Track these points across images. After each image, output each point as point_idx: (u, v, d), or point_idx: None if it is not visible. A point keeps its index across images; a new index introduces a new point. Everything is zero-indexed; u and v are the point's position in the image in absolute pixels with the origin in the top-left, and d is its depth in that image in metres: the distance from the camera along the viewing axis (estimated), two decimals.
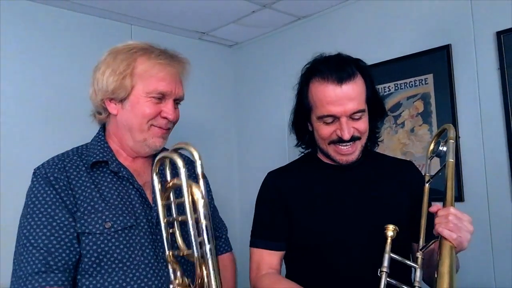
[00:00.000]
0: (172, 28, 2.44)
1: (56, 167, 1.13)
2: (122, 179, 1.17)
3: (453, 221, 0.97)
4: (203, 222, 0.92)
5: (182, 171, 0.93)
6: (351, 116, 1.19)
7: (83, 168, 1.15)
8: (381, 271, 1.02)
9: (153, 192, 1.18)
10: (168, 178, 1.01)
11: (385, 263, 1.03)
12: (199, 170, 0.96)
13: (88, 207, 1.10)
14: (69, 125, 2.01)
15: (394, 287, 1.03)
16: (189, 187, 0.95)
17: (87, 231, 1.08)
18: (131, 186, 1.17)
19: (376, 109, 1.30)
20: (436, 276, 0.89)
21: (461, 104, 1.84)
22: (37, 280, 1.02)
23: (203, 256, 0.92)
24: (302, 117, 1.31)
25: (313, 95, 1.23)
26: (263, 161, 2.59)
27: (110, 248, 1.08)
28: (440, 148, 1.17)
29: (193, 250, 0.94)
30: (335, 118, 1.19)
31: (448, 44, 1.86)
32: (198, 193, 0.94)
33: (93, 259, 1.08)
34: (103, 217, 1.09)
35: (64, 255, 1.06)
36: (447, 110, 1.86)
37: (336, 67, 1.19)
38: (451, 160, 1.10)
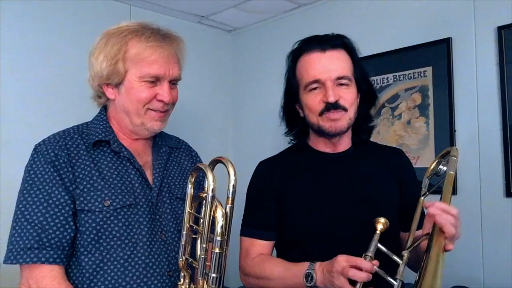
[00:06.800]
0: (172, 10, 2.41)
1: (57, 144, 1.13)
2: (123, 159, 1.18)
3: (456, 216, 0.97)
4: (216, 250, 0.98)
5: (210, 189, 1.00)
6: (337, 82, 1.23)
7: (83, 147, 1.15)
8: (365, 255, 1.02)
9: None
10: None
11: (371, 248, 1.03)
12: (230, 193, 1.02)
13: (88, 185, 1.11)
14: (68, 104, 2.01)
15: (379, 276, 1.03)
16: (214, 206, 1.00)
17: (86, 208, 1.09)
18: (131, 166, 1.18)
19: (365, 92, 1.31)
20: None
21: (458, 98, 1.84)
22: (28, 256, 1.03)
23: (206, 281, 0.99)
24: (292, 98, 1.32)
25: (299, 69, 1.28)
26: (258, 147, 2.58)
27: (109, 226, 1.09)
28: (441, 166, 1.18)
29: (199, 271, 1.01)
30: (321, 84, 1.23)
31: (449, 37, 1.86)
32: (220, 215, 0.98)
33: (92, 236, 1.08)
34: (102, 195, 1.10)
35: (58, 232, 1.06)
36: (444, 104, 1.87)
37: (319, 40, 1.27)
38: (451, 172, 1.10)
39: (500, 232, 1.70)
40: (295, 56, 1.30)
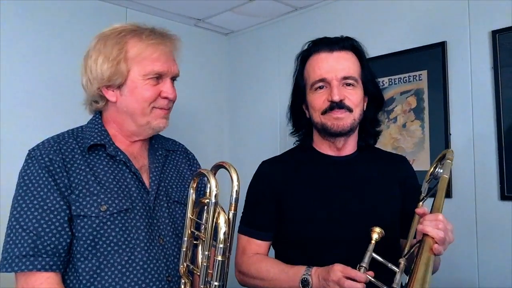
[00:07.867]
0: (168, 13, 2.41)
1: (51, 149, 1.12)
2: (119, 163, 1.17)
3: (443, 223, 0.98)
4: (219, 257, 0.97)
5: (213, 195, 1.00)
6: (343, 83, 1.24)
7: (78, 151, 1.14)
8: (359, 266, 1.03)
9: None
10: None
11: (366, 259, 1.04)
12: (233, 199, 1.01)
13: (83, 190, 1.09)
14: (67, 107, 1.98)
15: (374, 286, 1.03)
16: (217, 212, 1.00)
17: (82, 214, 1.07)
18: (127, 170, 1.16)
19: (373, 95, 1.31)
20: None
21: (453, 102, 1.85)
22: (24, 263, 1.02)
23: None
24: (299, 98, 1.33)
25: (307, 69, 1.29)
26: (254, 150, 2.59)
27: (106, 231, 1.08)
28: (438, 170, 1.20)
29: (201, 279, 1.00)
30: (327, 83, 1.24)
31: (444, 41, 1.87)
32: (223, 221, 0.98)
33: (88, 242, 1.07)
34: (99, 200, 1.09)
35: (53, 239, 1.05)
36: (439, 107, 1.87)
37: (328, 42, 1.29)
38: (445, 176, 1.11)
39: (494, 235, 1.70)
40: (304, 57, 1.32)
